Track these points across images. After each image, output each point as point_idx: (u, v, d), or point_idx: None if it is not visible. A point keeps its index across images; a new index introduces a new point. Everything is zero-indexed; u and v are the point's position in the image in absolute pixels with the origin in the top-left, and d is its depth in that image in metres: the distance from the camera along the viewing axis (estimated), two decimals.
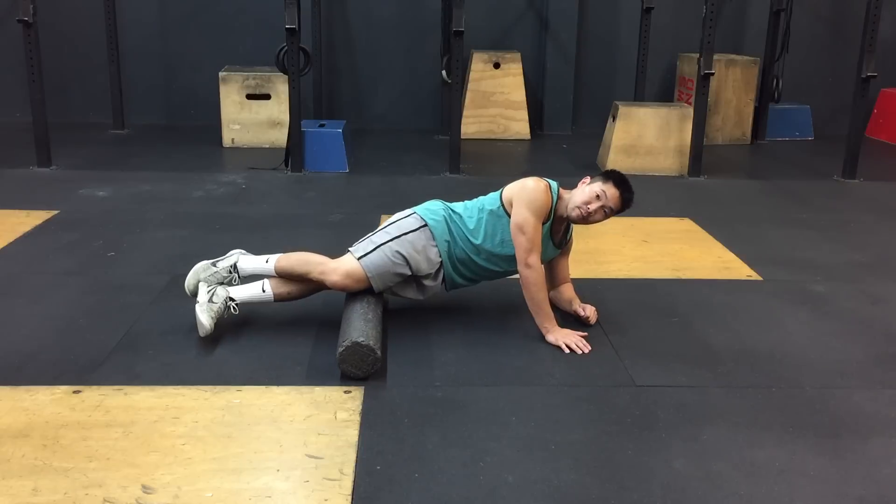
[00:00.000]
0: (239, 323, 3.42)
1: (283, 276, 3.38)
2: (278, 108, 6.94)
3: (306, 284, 3.38)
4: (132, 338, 3.29)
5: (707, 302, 3.84)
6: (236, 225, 4.83)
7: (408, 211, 3.49)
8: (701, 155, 6.33)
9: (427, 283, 3.41)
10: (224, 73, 6.94)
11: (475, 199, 3.51)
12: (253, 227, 4.79)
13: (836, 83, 8.21)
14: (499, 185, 3.51)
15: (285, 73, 6.02)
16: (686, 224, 5.07)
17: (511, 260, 3.39)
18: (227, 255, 3.51)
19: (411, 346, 3.28)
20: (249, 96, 6.93)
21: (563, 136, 7.94)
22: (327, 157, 6.21)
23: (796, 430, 2.74)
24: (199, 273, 3.41)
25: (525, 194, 3.30)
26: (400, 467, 2.47)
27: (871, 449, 2.65)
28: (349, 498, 2.32)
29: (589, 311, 3.50)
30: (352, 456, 2.51)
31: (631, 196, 3.37)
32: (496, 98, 7.61)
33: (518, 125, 7.67)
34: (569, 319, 3.52)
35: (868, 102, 6.72)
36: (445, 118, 7.28)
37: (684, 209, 5.40)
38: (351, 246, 3.42)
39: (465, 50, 6.36)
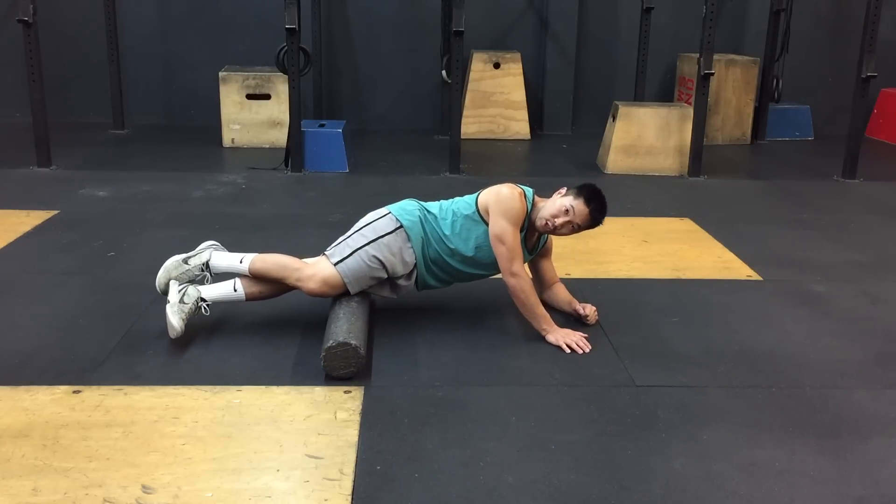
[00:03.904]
0: (239, 323, 3.42)
1: (257, 277, 3.33)
2: (278, 108, 6.94)
3: (279, 284, 3.34)
4: (132, 338, 3.29)
5: (707, 302, 3.84)
6: (236, 225, 4.83)
7: (382, 210, 3.45)
8: (701, 155, 6.33)
9: (401, 283, 3.39)
10: (224, 73, 6.94)
11: (450, 200, 3.47)
12: (253, 227, 4.79)
13: (836, 83, 8.21)
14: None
15: (285, 73, 6.02)
16: (686, 224, 5.07)
17: (485, 265, 3.39)
18: (199, 249, 3.43)
19: (411, 346, 3.28)
20: (249, 96, 6.93)
21: (563, 136, 7.94)
22: (327, 157, 6.21)
23: (796, 430, 2.74)
24: (171, 271, 3.35)
25: (501, 204, 3.27)
26: (400, 467, 2.47)
27: (871, 449, 2.65)
28: (349, 498, 2.32)
29: (589, 311, 3.50)
30: (352, 456, 2.51)
31: (601, 216, 3.33)
32: (496, 98, 7.61)
33: (518, 125, 7.67)
34: (569, 320, 3.52)
35: (868, 102, 6.72)
36: (445, 118, 7.28)
37: (684, 209, 5.40)
38: (327, 249, 3.38)
39: (465, 50, 6.36)
